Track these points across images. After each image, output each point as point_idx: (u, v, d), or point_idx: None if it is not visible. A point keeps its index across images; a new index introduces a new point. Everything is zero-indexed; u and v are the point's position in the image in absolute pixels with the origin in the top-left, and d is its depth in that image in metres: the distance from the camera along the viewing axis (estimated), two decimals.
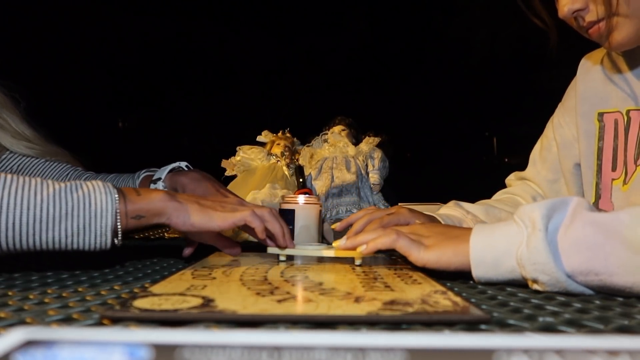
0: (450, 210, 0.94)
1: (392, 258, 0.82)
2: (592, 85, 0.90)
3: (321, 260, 0.77)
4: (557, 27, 0.81)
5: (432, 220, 0.88)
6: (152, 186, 0.93)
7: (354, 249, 0.69)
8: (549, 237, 0.53)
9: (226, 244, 0.80)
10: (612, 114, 0.86)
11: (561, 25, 0.80)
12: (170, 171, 0.95)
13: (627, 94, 0.84)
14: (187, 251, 0.79)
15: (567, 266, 0.52)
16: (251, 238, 0.92)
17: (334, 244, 0.73)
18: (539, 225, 0.53)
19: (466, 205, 0.96)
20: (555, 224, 0.54)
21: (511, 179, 1.10)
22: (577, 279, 0.52)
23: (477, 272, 0.58)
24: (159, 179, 0.93)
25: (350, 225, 0.87)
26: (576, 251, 0.52)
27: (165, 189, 0.92)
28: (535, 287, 0.55)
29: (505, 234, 0.57)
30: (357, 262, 0.72)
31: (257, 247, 0.85)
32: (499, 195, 1.07)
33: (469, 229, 0.61)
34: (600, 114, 0.88)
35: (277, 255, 0.77)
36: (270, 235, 0.76)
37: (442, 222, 0.88)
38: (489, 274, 0.58)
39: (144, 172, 0.99)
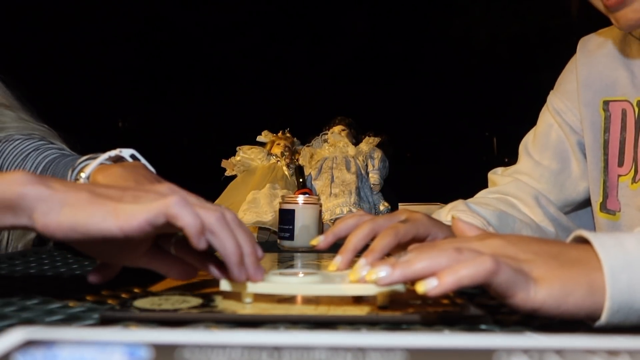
0: (466, 217, 0.71)
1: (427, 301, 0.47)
2: (596, 70, 0.79)
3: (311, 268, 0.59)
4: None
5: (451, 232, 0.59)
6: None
7: (410, 282, 0.38)
8: None
9: (169, 265, 0.47)
10: (619, 102, 0.76)
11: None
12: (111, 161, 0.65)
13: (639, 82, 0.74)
14: (92, 277, 0.47)
15: None
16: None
17: (351, 273, 0.43)
18: None
19: (478, 208, 0.76)
20: None
21: (497, 173, 0.90)
22: None
23: (614, 318, 0.37)
24: (79, 178, 0.63)
25: (337, 239, 0.55)
26: None
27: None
28: None
29: None
30: (382, 303, 0.44)
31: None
32: (485, 193, 0.86)
33: (587, 246, 0.39)
34: (606, 103, 0.77)
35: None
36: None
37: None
38: (628, 320, 0.38)
39: (85, 161, 0.67)
